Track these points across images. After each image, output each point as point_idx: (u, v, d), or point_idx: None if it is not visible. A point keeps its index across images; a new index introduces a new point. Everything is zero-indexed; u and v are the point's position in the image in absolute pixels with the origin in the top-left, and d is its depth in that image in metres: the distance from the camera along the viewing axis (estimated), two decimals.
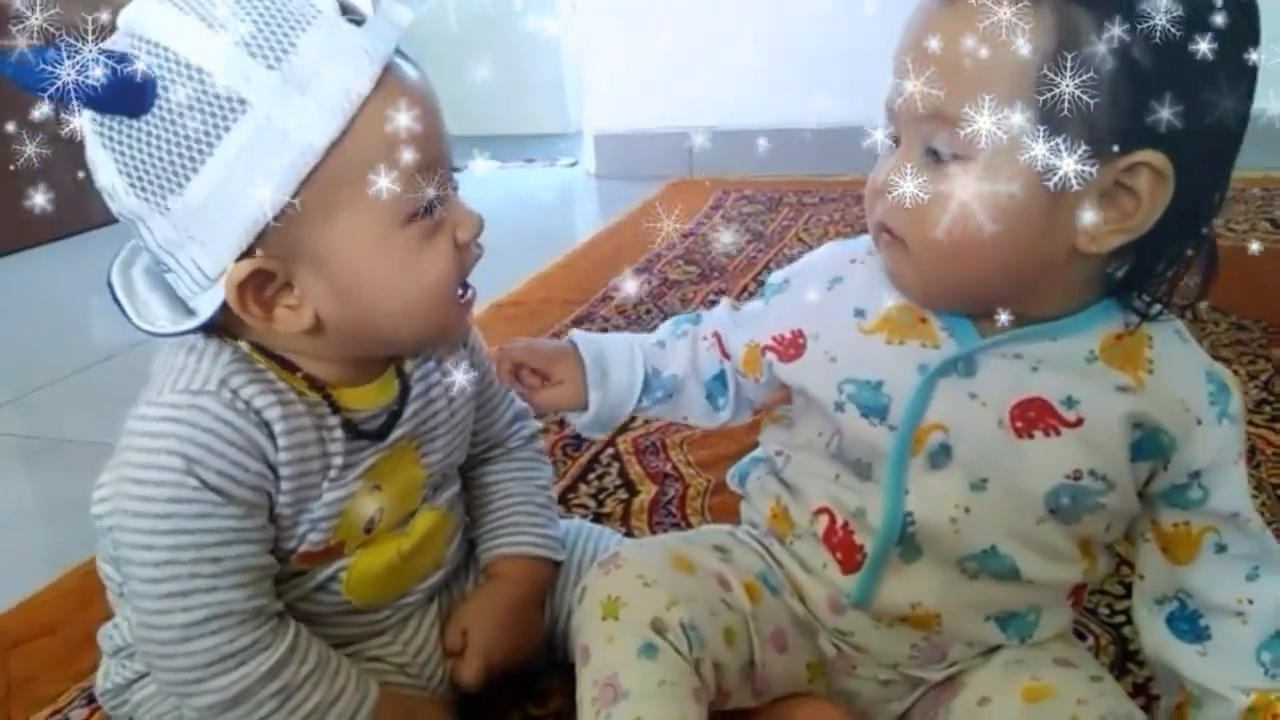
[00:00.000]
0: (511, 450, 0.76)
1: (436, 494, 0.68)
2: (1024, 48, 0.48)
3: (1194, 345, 0.57)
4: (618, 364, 0.70)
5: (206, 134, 0.50)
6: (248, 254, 0.53)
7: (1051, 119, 0.49)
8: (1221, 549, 0.56)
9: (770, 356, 0.64)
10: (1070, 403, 0.55)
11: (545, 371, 0.70)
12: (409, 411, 0.63)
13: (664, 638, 0.59)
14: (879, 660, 0.64)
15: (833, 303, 0.62)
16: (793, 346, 0.63)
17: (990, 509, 0.57)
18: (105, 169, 0.53)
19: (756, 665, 0.62)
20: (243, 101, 0.50)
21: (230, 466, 0.55)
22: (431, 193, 0.55)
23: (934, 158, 0.53)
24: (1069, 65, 0.47)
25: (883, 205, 0.56)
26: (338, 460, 0.59)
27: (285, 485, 0.57)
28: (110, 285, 0.57)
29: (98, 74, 0.49)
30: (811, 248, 2.06)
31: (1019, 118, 0.49)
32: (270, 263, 0.53)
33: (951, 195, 0.51)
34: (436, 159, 0.56)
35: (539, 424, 0.80)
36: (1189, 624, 0.58)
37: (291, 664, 0.57)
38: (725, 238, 1.93)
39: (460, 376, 0.65)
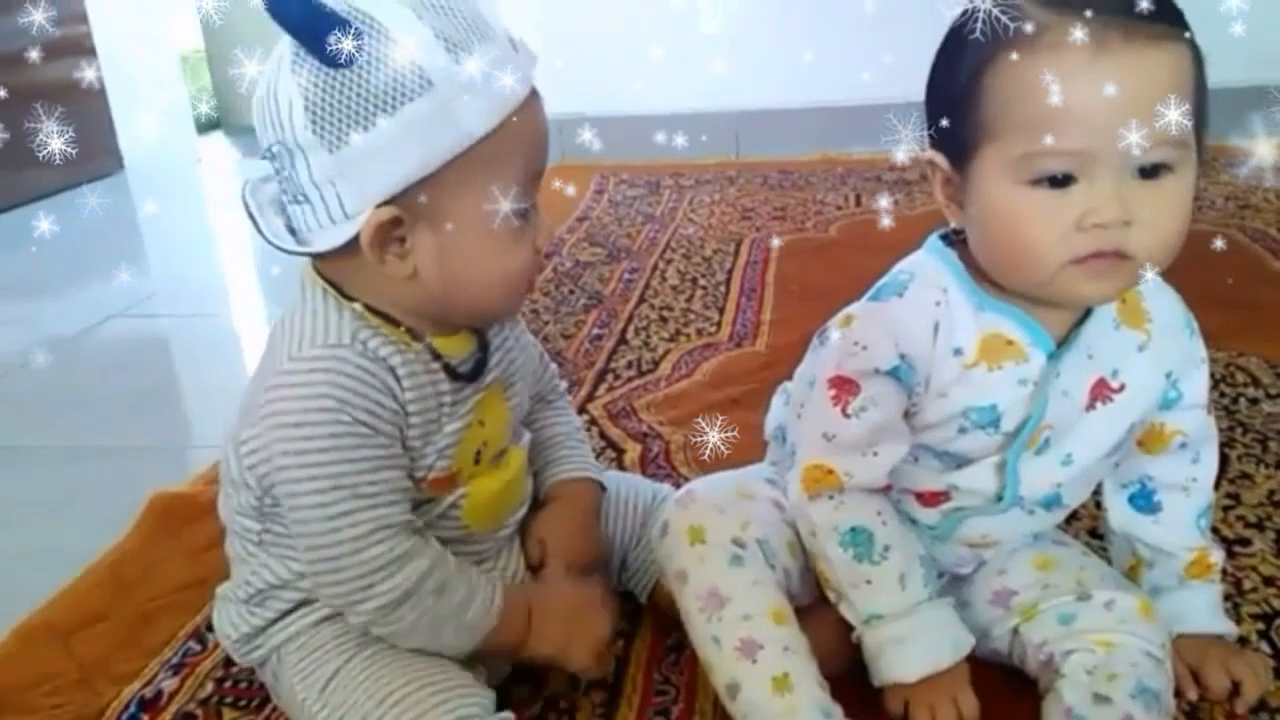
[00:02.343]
0: (551, 401, 0.86)
1: (518, 436, 0.78)
2: (1190, 76, 0.59)
3: (1161, 281, 0.69)
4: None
5: (392, 97, 0.59)
6: (385, 203, 0.62)
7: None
8: (1183, 445, 0.74)
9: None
10: (1115, 373, 0.69)
11: None
12: (493, 360, 0.73)
13: (745, 550, 0.71)
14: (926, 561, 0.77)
15: (938, 350, 0.68)
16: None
17: (1074, 475, 0.71)
18: (289, 99, 0.60)
19: (811, 571, 0.75)
20: (429, 81, 0.59)
21: (373, 404, 0.64)
22: (532, 200, 0.66)
23: (1144, 175, 0.59)
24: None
25: (1113, 235, 0.60)
26: (448, 399, 0.69)
27: (413, 420, 0.66)
28: (245, 205, 0.66)
29: (319, 22, 0.58)
30: (700, 226, 2.19)
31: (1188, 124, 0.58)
32: (401, 213, 0.62)
33: (1182, 202, 0.60)
34: (543, 169, 0.67)
35: (563, 382, 0.90)
36: (1146, 500, 0.76)
37: (442, 565, 0.66)
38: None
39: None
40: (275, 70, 0.62)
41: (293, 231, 0.65)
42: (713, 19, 2.58)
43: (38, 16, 2.19)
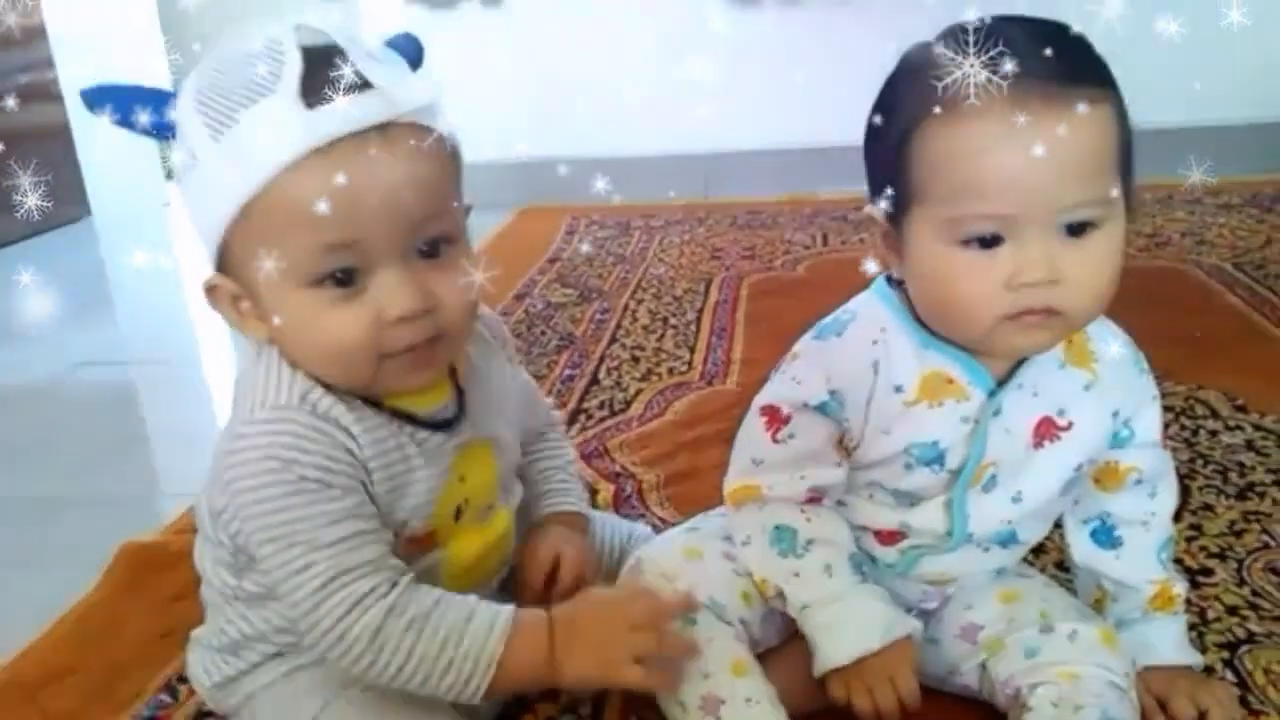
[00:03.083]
0: (544, 434, 0.87)
1: (507, 494, 0.77)
2: (1114, 135, 0.61)
3: (1106, 321, 0.73)
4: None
5: (183, 171, 0.63)
6: (223, 269, 0.64)
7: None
8: (1138, 482, 0.76)
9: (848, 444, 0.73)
10: (1061, 412, 0.70)
11: None
12: (472, 412, 0.71)
13: (697, 614, 0.72)
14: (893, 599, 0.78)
15: (879, 387, 0.70)
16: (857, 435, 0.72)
17: (1025, 513, 0.73)
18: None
19: (773, 612, 0.76)
20: (195, 159, 0.61)
21: (324, 460, 0.63)
22: (351, 269, 0.61)
23: (1071, 232, 0.61)
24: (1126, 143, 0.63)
25: (1041, 293, 0.62)
26: (414, 451, 0.67)
27: (376, 475, 0.65)
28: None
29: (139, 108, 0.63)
30: (670, 266, 2.21)
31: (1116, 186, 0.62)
32: (224, 283, 0.65)
33: (1109, 256, 0.62)
34: (359, 235, 0.60)
35: (558, 412, 0.91)
36: (1107, 535, 0.77)
37: (413, 599, 0.64)
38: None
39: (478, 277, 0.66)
40: None
41: None
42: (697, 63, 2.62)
43: None
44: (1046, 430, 0.71)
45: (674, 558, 0.77)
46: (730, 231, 2.31)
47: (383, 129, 0.59)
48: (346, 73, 0.58)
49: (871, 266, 0.71)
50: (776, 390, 0.74)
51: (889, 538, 0.75)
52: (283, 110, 0.58)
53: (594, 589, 0.73)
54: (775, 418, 0.73)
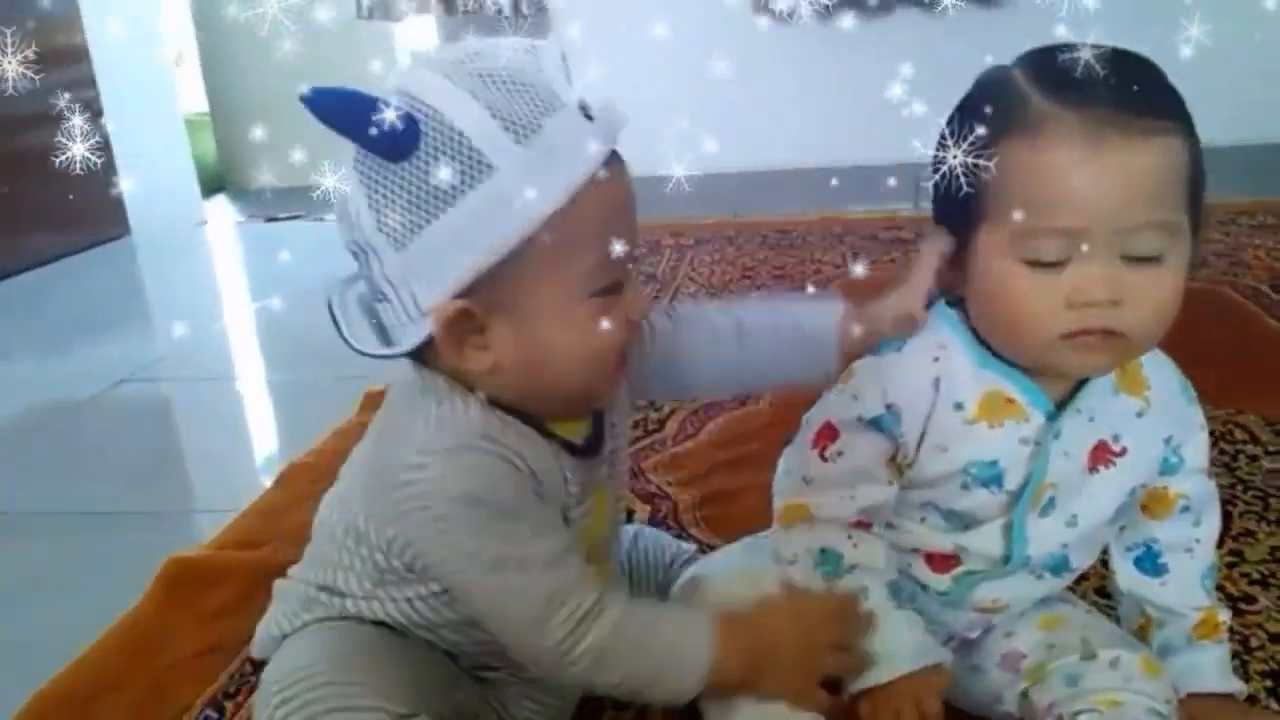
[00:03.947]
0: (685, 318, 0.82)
1: (617, 546, 0.79)
2: (1183, 165, 0.63)
3: (1156, 350, 0.73)
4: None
5: (454, 188, 0.57)
6: (459, 295, 0.60)
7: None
8: (1185, 509, 0.76)
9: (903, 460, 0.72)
10: (1116, 438, 0.71)
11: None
12: (608, 444, 0.72)
13: None
14: (935, 629, 0.77)
15: (940, 402, 0.70)
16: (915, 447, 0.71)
17: (1080, 537, 0.73)
18: (356, 199, 0.60)
19: None
20: (490, 166, 0.57)
21: (515, 484, 0.63)
22: (618, 276, 0.62)
23: (1135, 261, 0.63)
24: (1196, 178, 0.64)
25: (1102, 313, 0.63)
26: (574, 485, 0.68)
27: (549, 499, 0.66)
28: (330, 308, 0.64)
29: (374, 118, 0.56)
30: (704, 288, 2.21)
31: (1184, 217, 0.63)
32: (475, 306, 0.60)
33: (1172, 284, 0.63)
34: (629, 243, 0.62)
35: None
36: (1152, 562, 0.77)
37: (633, 617, 0.65)
38: None
39: None
40: (347, 168, 0.61)
41: (385, 329, 0.64)
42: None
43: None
44: (1102, 455, 0.71)
45: (733, 586, 0.75)
46: (760, 250, 2.31)
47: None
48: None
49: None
50: (832, 406, 0.74)
51: (942, 563, 0.75)
52: (576, 120, 0.59)
53: (793, 597, 0.72)
54: (826, 434, 0.74)
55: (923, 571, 0.76)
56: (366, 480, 0.68)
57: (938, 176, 0.70)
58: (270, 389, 1.80)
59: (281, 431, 1.60)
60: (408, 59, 3.25)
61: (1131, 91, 0.61)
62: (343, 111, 0.57)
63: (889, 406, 0.71)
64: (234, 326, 2.19)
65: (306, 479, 1.23)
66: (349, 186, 0.61)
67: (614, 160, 0.62)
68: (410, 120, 0.57)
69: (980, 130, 0.64)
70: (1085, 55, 0.63)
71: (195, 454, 1.55)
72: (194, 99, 3.71)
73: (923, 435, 0.71)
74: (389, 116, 0.56)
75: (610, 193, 0.61)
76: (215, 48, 3.58)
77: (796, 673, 0.67)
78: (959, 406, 0.70)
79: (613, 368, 0.66)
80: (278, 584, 0.76)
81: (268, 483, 1.30)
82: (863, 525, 0.74)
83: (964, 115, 0.68)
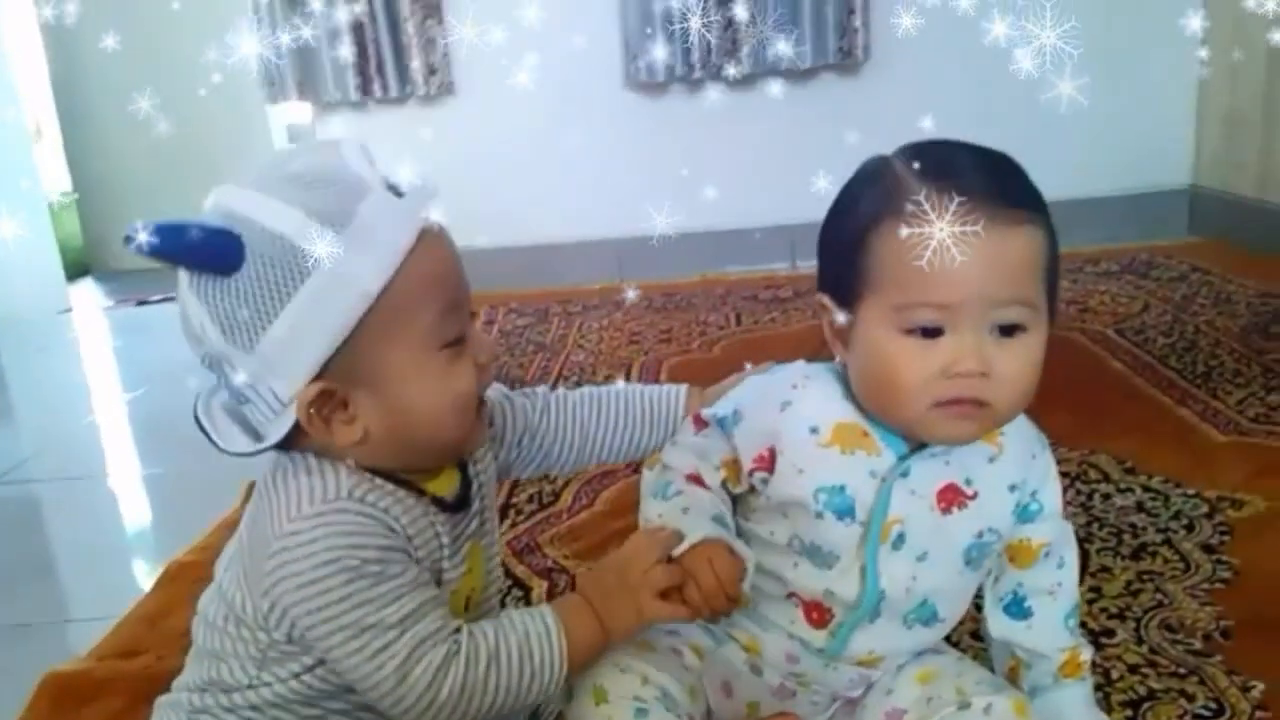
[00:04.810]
0: (547, 407, 0.88)
1: (494, 599, 0.80)
2: (1043, 253, 0.71)
3: None
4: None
5: (285, 285, 0.63)
6: (316, 378, 0.65)
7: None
8: (1048, 555, 0.81)
9: (757, 475, 0.78)
10: (968, 481, 0.76)
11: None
12: (475, 501, 0.76)
13: (647, 704, 0.75)
14: (819, 689, 0.82)
15: (788, 423, 0.76)
16: (769, 462, 0.77)
17: (929, 573, 0.78)
18: (198, 318, 0.65)
19: (712, 710, 0.80)
20: (314, 259, 0.62)
21: (380, 543, 0.66)
22: (460, 327, 0.68)
23: (1002, 333, 0.69)
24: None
25: (973, 384, 0.69)
26: (446, 540, 0.71)
27: (419, 555, 0.68)
28: (197, 420, 0.68)
29: (197, 242, 0.63)
30: (590, 352, 2.24)
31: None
32: (333, 384, 0.65)
33: (1033, 359, 0.71)
34: (461, 297, 0.69)
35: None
36: (1018, 606, 0.82)
37: (481, 645, 0.68)
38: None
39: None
40: (180, 289, 0.65)
41: (253, 427, 0.68)
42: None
43: None
44: (953, 497, 0.77)
45: (626, 651, 0.78)
46: (647, 314, 2.37)
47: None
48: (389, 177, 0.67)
49: (840, 318, 0.76)
50: (704, 407, 0.85)
51: (819, 616, 0.79)
52: (386, 202, 0.65)
53: (605, 558, 0.79)
54: (699, 421, 0.84)
55: (803, 628, 0.80)
56: (243, 562, 0.70)
57: (823, 248, 0.77)
58: (146, 485, 1.73)
59: (161, 529, 1.55)
60: (284, 136, 3.23)
61: (999, 184, 0.69)
62: (169, 244, 0.62)
63: (735, 411, 0.80)
64: (105, 420, 2.11)
65: (188, 578, 1.20)
66: (187, 306, 0.65)
67: (432, 226, 0.67)
68: (232, 236, 0.63)
69: (863, 211, 0.72)
70: (959, 153, 0.72)
71: (68, 558, 1.48)
72: (59, 180, 3.58)
73: (772, 453, 0.77)
74: (212, 238, 0.63)
75: (435, 254, 0.67)
76: (77, 123, 3.48)
77: (630, 601, 0.72)
78: (814, 430, 0.76)
79: (474, 412, 0.71)
80: (159, 701, 0.76)
81: (147, 584, 1.26)
82: (694, 479, 0.81)
83: (847, 196, 0.76)
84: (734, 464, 0.80)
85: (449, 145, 2.66)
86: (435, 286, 0.67)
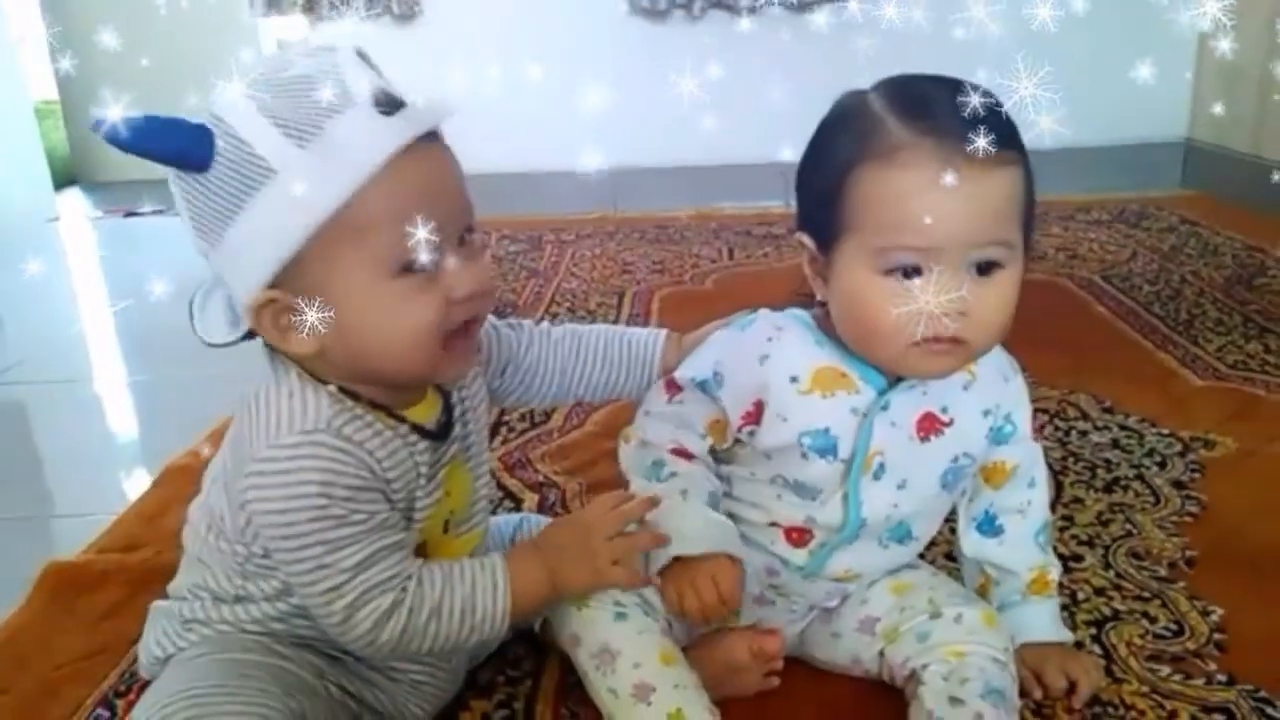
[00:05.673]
0: (531, 343, 0.89)
1: (483, 511, 0.82)
2: (1021, 190, 0.71)
3: None
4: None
5: (242, 192, 0.63)
6: (271, 286, 0.65)
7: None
8: (1019, 474, 0.85)
9: (745, 429, 0.79)
10: (944, 409, 0.78)
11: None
12: (457, 428, 0.76)
13: (626, 607, 0.79)
14: (797, 600, 0.86)
15: (770, 375, 0.77)
16: (757, 416, 0.79)
17: (908, 499, 0.80)
18: (181, 211, 0.67)
19: None
20: (271, 170, 0.63)
21: (352, 480, 0.67)
22: (431, 255, 0.65)
23: (979, 271, 0.70)
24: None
25: (950, 322, 0.70)
26: (424, 469, 0.72)
27: (397, 493, 0.70)
28: (190, 304, 0.70)
29: (160, 136, 0.64)
30: (583, 280, 2.25)
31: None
32: (281, 295, 0.65)
33: (1010, 295, 0.72)
34: (440, 222, 0.65)
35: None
36: (990, 524, 0.86)
37: (427, 595, 0.70)
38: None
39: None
40: (170, 176, 0.67)
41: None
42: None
43: None
44: (931, 425, 0.79)
45: None
46: (640, 245, 2.38)
47: (431, 134, 0.67)
48: (387, 85, 0.66)
49: (818, 258, 0.76)
50: (681, 366, 0.84)
51: (798, 537, 0.82)
52: (365, 119, 0.63)
53: (567, 516, 0.84)
54: (672, 386, 0.84)
55: (784, 548, 0.83)
56: (225, 478, 0.72)
57: (801, 188, 0.77)
58: (133, 390, 1.74)
59: (149, 433, 1.57)
60: (274, 48, 3.17)
61: (980, 123, 0.67)
62: (136, 135, 0.63)
63: (715, 374, 0.80)
64: (92, 328, 2.11)
65: (184, 480, 1.22)
66: (175, 197, 0.67)
67: (426, 144, 0.66)
68: (204, 135, 0.63)
69: (841, 152, 0.71)
70: (939, 89, 0.70)
71: (58, 458, 1.49)
72: (44, 87, 3.52)
73: (759, 406, 0.78)
74: (178, 135, 0.64)
75: (410, 176, 0.64)
76: (64, 30, 3.40)
77: (588, 563, 0.76)
78: (794, 379, 0.78)
79: (434, 346, 0.68)
80: (154, 606, 0.79)
81: (134, 487, 1.29)
82: (680, 454, 0.82)
83: (824, 136, 0.75)
84: (720, 424, 0.81)
85: (446, 64, 2.62)
86: (403, 209, 0.64)
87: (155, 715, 0.64)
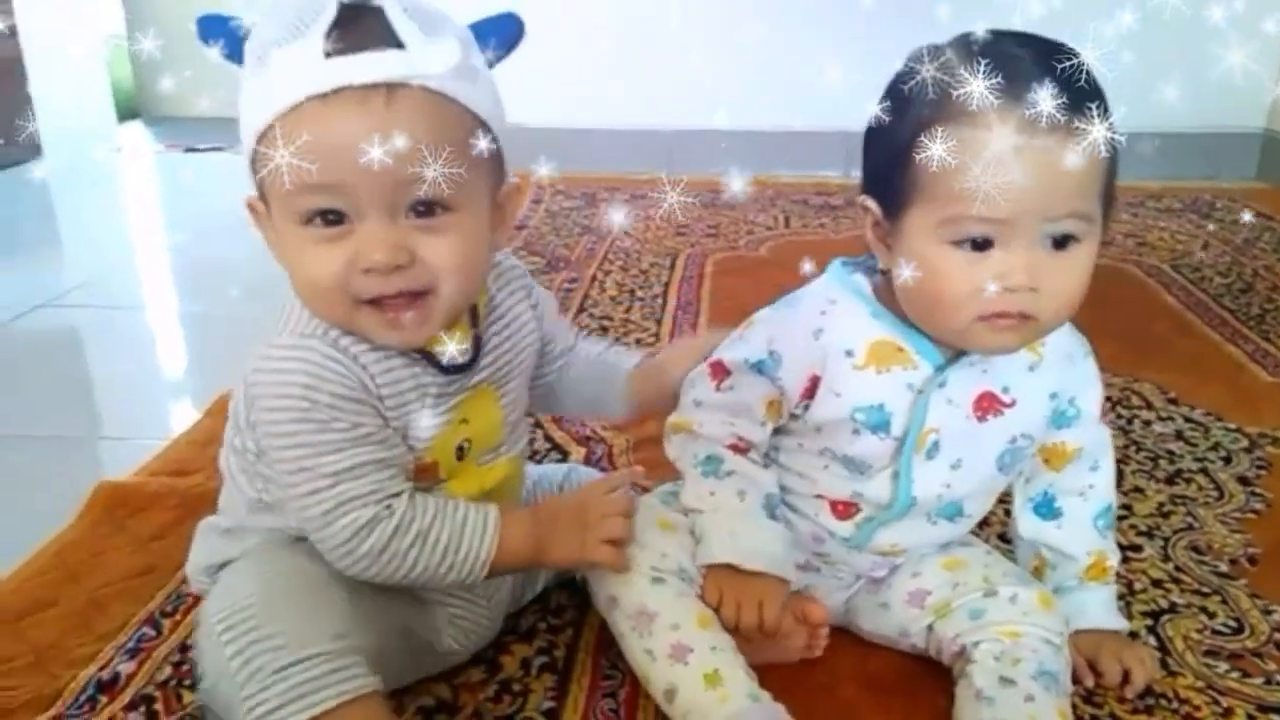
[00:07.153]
0: (574, 348, 0.90)
1: (512, 440, 0.80)
2: (1103, 162, 0.66)
3: None
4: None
5: (240, 92, 0.66)
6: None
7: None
8: (1081, 457, 0.82)
9: (800, 404, 0.77)
10: (1005, 389, 0.75)
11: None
12: (486, 359, 0.75)
13: (664, 575, 0.77)
14: (843, 569, 0.84)
15: (826, 349, 0.75)
16: (811, 391, 0.76)
17: (962, 480, 0.78)
18: None
19: None
20: (241, 85, 0.66)
21: (338, 388, 0.67)
22: (337, 209, 0.63)
23: (1054, 245, 0.67)
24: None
25: (1020, 298, 0.67)
26: (433, 390, 0.71)
27: (388, 404, 0.69)
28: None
29: (208, 29, 0.67)
30: (636, 240, 2.23)
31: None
32: (259, 206, 0.68)
33: (1084, 270, 0.68)
34: (342, 183, 0.62)
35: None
36: (1049, 507, 0.83)
37: (414, 519, 0.69)
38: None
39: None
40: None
41: None
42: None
43: None
44: (990, 404, 0.76)
45: (648, 527, 0.80)
46: (695, 209, 2.34)
47: (392, 88, 0.61)
48: (375, 29, 0.61)
49: (885, 225, 0.73)
50: (727, 347, 0.81)
51: (844, 510, 0.80)
52: (305, 55, 0.61)
53: (570, 493, 0.86)
54: (720, 370, 0.81)
55: (828, 519, 0.81)
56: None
57: (869, 150, 0.74)
58: (187, 321, 1.76)
59: (199, 364, 1.58)
60: None
61: (1065, 88, 0.63)
62: (205, 29, 0.66)
63: (771, 353, 0.77)
64: (149, 259, 2.13)
65: None
66: None
67: (380, 98, 0.61)
68: (235, 38, 0.66)
69: (913, 112, 0.68)
70: (1019, 47, 0.66)
71: (108, 382, 1.51)
72: (112, 21, 3.54)
73: (815, 381, 0.76)
74: (218, 30, 0.66)
75: (333, 127, 0.61)
76: None
77: (577, 537, 0.75)
78: (849, 354, 0.75)
79: (341, 304, 0.66)
80: (201, 523, 0.80)
81: (180, 415, 1.30)
82: (738, 449, 0.80)
83: (896, 93, 0.71)
84: (776, 404, 0.79)
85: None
86: (303, 155, 0.61)
87: (233, 615, 0.66)
